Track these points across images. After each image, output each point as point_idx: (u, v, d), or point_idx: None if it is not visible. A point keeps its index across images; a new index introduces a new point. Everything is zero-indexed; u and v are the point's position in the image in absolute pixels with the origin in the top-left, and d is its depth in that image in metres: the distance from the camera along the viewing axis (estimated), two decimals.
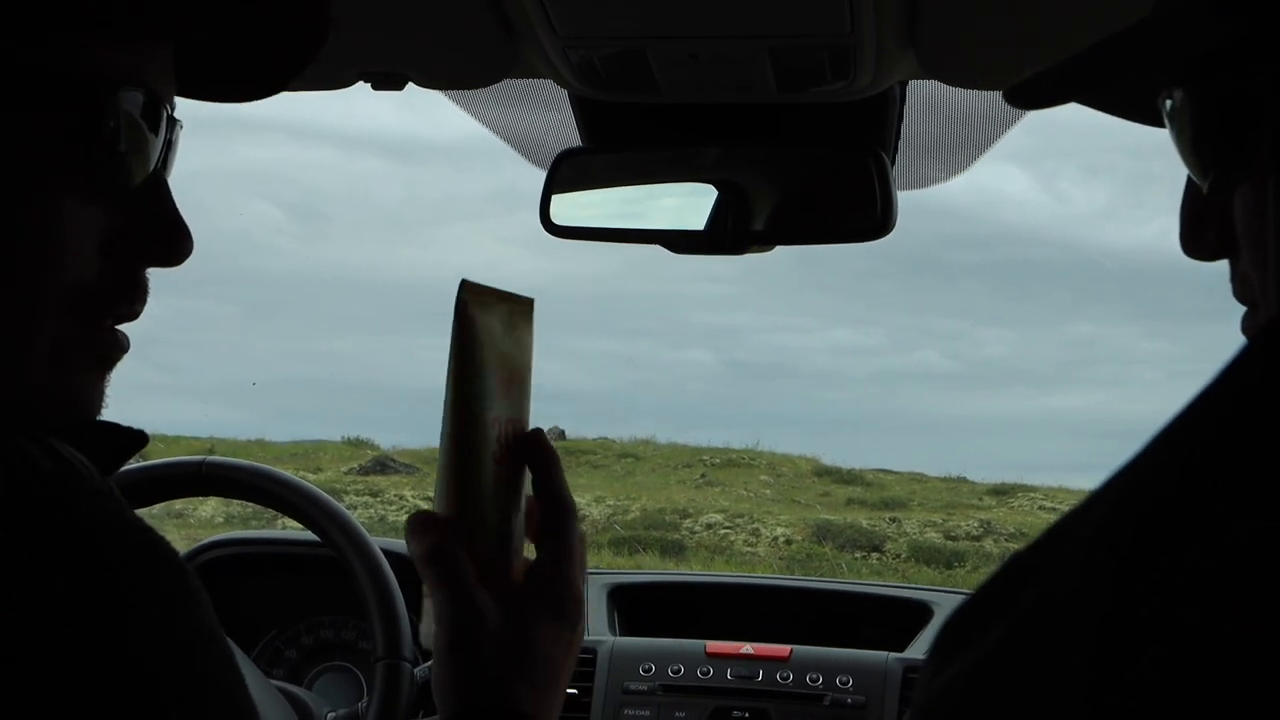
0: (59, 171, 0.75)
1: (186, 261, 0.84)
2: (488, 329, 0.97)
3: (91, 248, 0.77)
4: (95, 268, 0.77)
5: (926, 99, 1.62)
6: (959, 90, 1.50)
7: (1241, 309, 0.74)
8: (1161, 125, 0.76)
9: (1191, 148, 0.72)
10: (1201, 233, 0.74)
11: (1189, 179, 0.75)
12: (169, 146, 0.83)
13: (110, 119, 0.76)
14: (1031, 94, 0.78)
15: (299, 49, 0.86)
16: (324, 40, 0.86)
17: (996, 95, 1.53)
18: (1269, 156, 0.65)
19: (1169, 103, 0.74)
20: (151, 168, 0.81)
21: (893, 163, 1.62)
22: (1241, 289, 0.72)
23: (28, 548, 0.64)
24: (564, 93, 1.56)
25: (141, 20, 0.77)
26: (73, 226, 0.76)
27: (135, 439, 0.85)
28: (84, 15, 0.74)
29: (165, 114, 0.81)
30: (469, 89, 1.54)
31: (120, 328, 0.82)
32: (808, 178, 1.68)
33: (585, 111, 1.62)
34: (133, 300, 0.81)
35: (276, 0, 0.82)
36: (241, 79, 0.89)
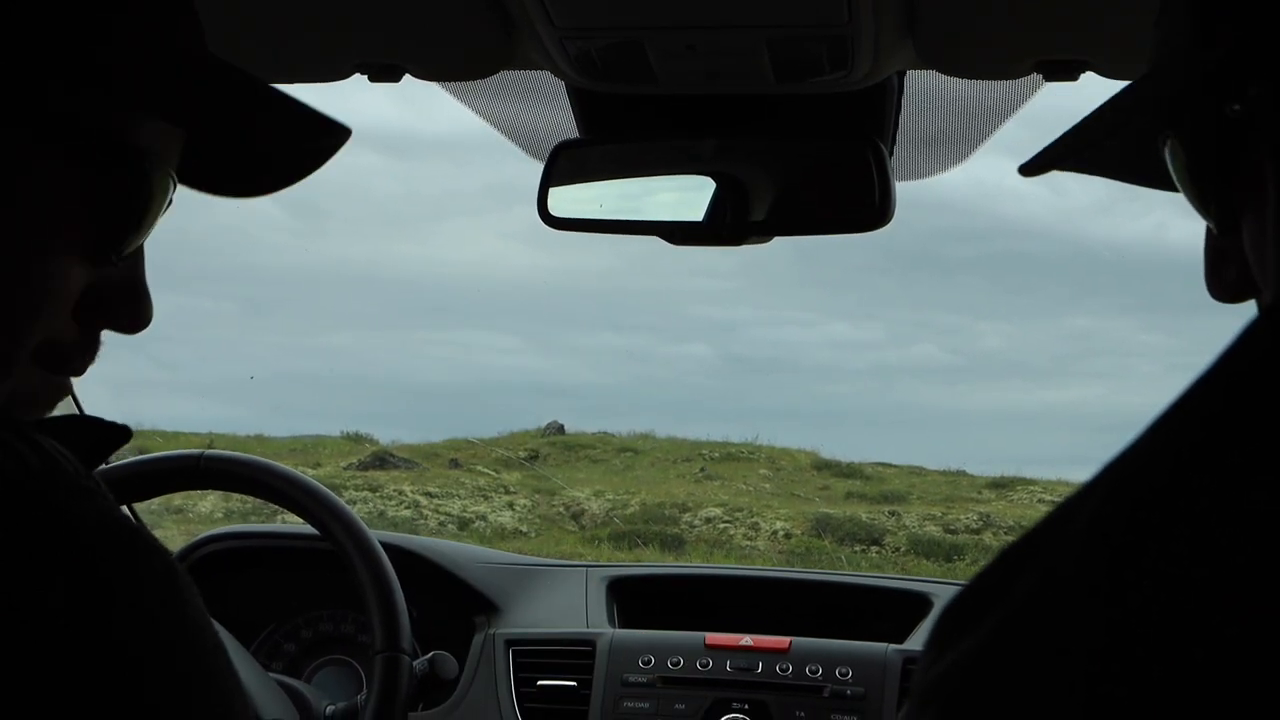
0: (78, 230, 0.77)
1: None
2: None
3: (70, 307, 0.79)
4: (68, 326, 0.79)
5: (924, 90, 1.62)
6: (956, 81, 1.50)
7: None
8: (1169, 187, 0.77)
9: (1191, 184, 0.72)
10: (1223, 273, 0.74)
11: (1207, 226, 0.75)
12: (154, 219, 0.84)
13: (144, 189, 0.79)
14: (1041, 165, 0.79)
15: (308, 159, 0.88)
16: (337, 149, 0.87)
17: (994, 86, 1.53)
18: (1267, 171, 0.66)
19: (1167, 152, 0.74)
20: (147, 236, 0.82)
21: (891, 153, 1.62)
22: None
23: (14, 545, 0.64)
24: (561, 84, 1.56)
25: (173, 103, 0.79)
26: (67, 285, 0.77)
27: (118, 434, 0.85)
28: (128, 88, 0.76)
29: (173, 189, 0.84)
30: (466, 81, 1.54)
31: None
32: (806, 168, 1.68)
33: (583, 103, 1.62)
34: (86, 358, 0.83)
35: (294, 111, 0.84)
36: (246, 178, 0.91)
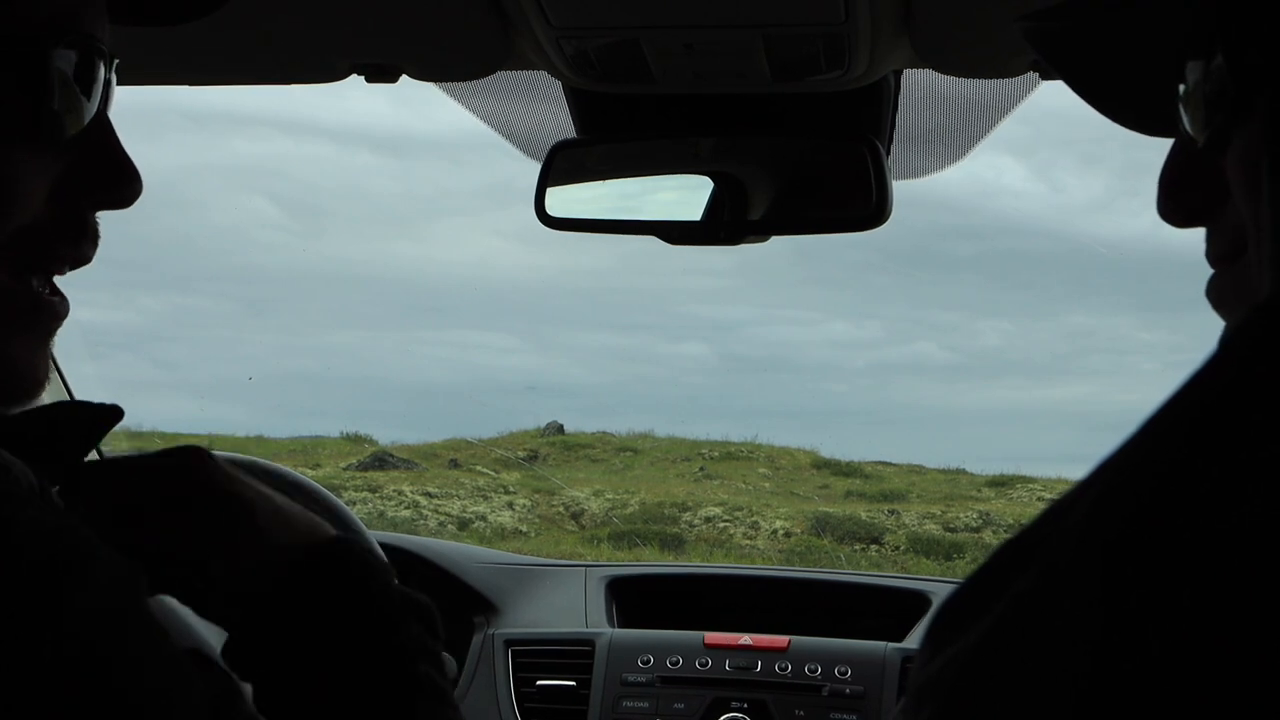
0: (1, 121, 0.74)
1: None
2: None
3: (39, 194, 0.77)
4: (42, 213, 0.77)
5: (921, 88, 1.62)
6: (953, 79, 1.50)
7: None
8: (1157, 132, 0.77)
9: (1203, 102, 0.71)
10: (1184, 195, 0.74)
11: (1175, 144, 0.75)
12: (108, 85, 0.81)
13: (50, 65, 0.76)
14: (1040, 17, 0.78)
15: None
16: None
17: (991, 84, 1.53)
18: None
19: (1189, 79, 0.73)
20: (94, 110, 0.80)
21: (888, 152, 1.62)
22: (1220, 245, 0.72)
23: None
24: (558, 84, 1.56)
25: None
26: (17, 172, 0.75)
27: (109, 414, 0.84)
28: None
29: (103, 54, 0.80)
30: (463, 81, 1.54)
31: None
32: (803, 167, 1.68)
33: (580, 103, 1.62)
34: (79, 241, 0.81)
35: None
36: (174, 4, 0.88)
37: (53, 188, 0.78)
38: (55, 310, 0.81)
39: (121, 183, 0.81)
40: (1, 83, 0.74)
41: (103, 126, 0.81)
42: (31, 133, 0.76)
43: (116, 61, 0.83)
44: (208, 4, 0.87)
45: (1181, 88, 0.73)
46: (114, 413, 0.84)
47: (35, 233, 0.77)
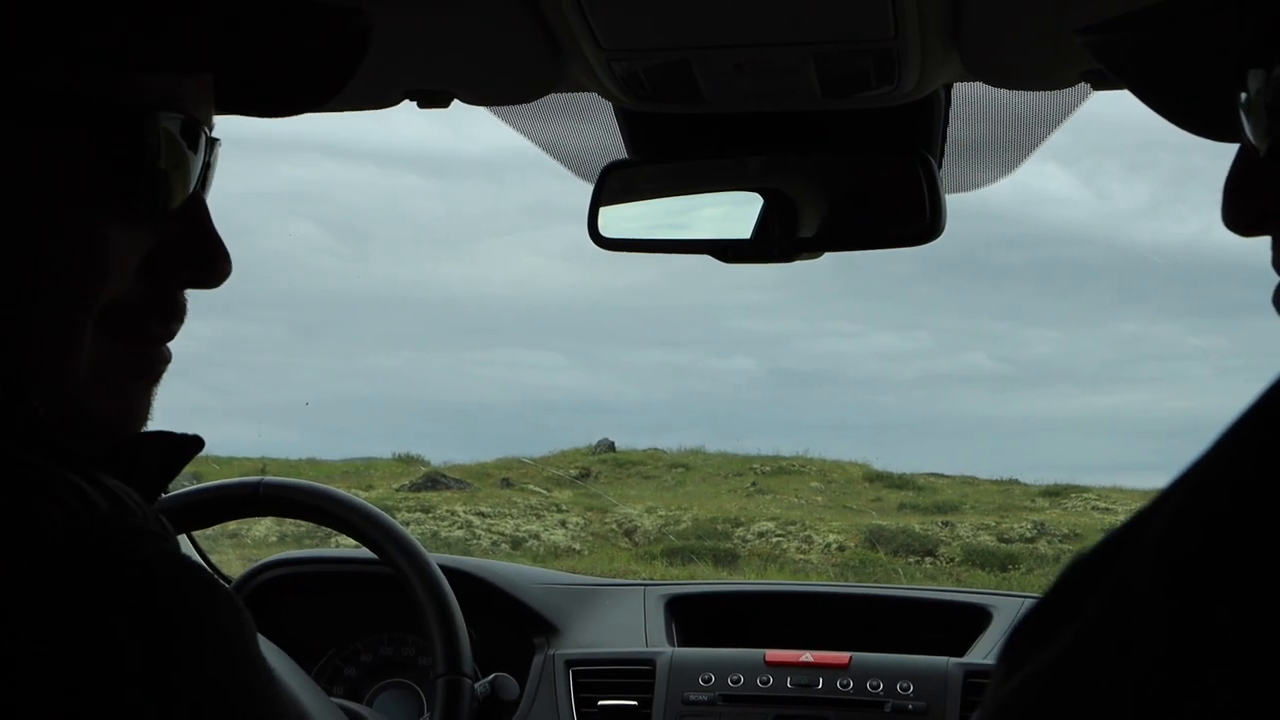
0: (98, 194, 0.76)
1: (233, 286, 0.85)
2: None
3: (131, 269, 0.78)
4: (133, 288, 0.79)
5: (971, 101, 1.61)
6: (1004, 91, 1.50)
7: None
8: (1226, 138, 0.76)
9: (1265, 110, 0.71)
10: (1248, 203, 0.74)
11: (1239, 152, 0.75)
12: (207, 167, 0.83)
13: (149, 143, 0.77)
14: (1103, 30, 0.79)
15: (340, 67, 0.87)
16: (364, 55, 0.86)
17: (1041, 95, 1.53)
18: None
19: (1250, 88, 0.73)
20: (190, 190, 0.81)
21: (939, 166, 1.61)
22: None
23: (87, 590, 0.65)
24: (609, 105, 1.57)
25: (181, 54, 0.78)
26: (112, 247, 0.77)
27: (190, 445, 0.85)
28: (125, 48, 0.76)
29: (204, 136, 0.82)
30: (515, 104, 1.55)
31: (169, 346, 0.83)
32: (855, 183, 1.68)
33: (630, 123, 1.62)
34: (168, 319, 0.82)
35: (316, 25, 0.83)
36: (286, 97, 0.89)
37: (143, 264, 0.79)
38: (160, 357, 0.83)
39: (214, 263, 0.83)
40: (103, 152, 0.76)
41: (199, 205, 0.83)
42: (128, 206, 0.77)
43: (220, 144, 0.85)
44: (318, 98, 0.88)
45: (1243, 95, 0.73)
46: (195, 442, 0.85)
47: (125, 308, 0.79)
